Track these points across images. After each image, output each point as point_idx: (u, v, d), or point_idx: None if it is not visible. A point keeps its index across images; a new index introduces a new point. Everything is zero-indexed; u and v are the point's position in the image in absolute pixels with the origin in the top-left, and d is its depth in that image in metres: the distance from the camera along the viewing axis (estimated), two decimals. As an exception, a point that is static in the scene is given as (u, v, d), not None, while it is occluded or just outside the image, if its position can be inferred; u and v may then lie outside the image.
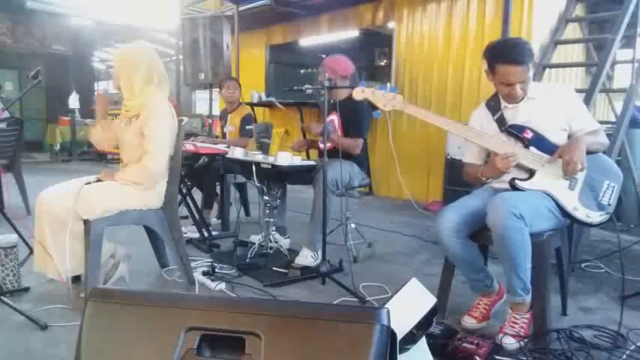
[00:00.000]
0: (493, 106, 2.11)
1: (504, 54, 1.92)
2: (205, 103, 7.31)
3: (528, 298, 1.94)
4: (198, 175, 3.51)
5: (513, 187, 1.97)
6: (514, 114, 2.04)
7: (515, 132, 1.99)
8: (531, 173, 1.96)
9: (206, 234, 3.33)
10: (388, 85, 2.10)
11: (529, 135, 1.97)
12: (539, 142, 1.96)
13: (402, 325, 1.42)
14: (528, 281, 1.90)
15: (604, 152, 2.06)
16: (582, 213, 1.94)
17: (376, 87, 2.11)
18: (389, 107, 2.08)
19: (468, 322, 2.08)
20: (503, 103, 2.08)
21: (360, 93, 2.12)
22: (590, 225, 2.00)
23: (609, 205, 1.96)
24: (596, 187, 1.96)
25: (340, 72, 3.03)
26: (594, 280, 2.75)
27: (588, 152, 1.87)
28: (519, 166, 1.97)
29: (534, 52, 1.97)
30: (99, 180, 2.33)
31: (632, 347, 1.88)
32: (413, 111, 2.08)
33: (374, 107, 2.14)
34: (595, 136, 1.95)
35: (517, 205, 1.78)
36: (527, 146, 1.97)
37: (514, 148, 1.96)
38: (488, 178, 2.11)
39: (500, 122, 2.05)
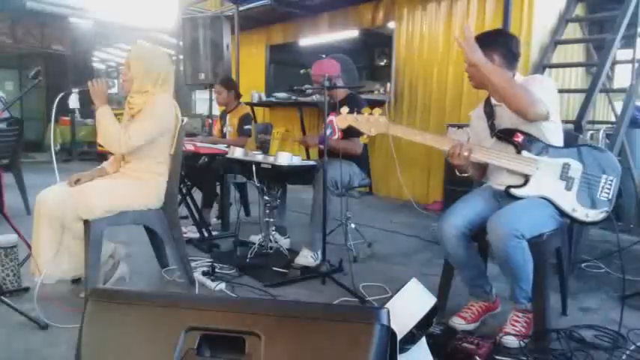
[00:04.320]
0: (488, 111, 2.09)
1: None
2: (205, 103, 7.31)
3: (530, 305, 1.96)
4: (199, 175, 3.51)
5: (509, 195, 1.94)
6: (501, 114, 2.02)
7: (505, 137, 1.96)
8: (526, 178, 1.93)
9: (206, 234, 3.33)
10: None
11: (519, 138, 1.93)
12: (531, 145, 1.93)
13: (402, 325, 1.42)
14: (530, 290, 1.91)
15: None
16: (581, 213, 1.92)
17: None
18: (374, 132, 1.98)
19: (457, 322, 2.07)
20: (492, 101, 2.07)
21: (343, 121, 2.03)
22: (590, 223, 1.97)
23: (609, 200, 1.92)
24: (594, 183, 1.92)
25: (330, 75, 2.97)
26: (594, 280, 2.75)
27: (496, 84, 1.81)
28: (513, 172, 1.94)
29: (497, 42, 1.96)
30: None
31: (632, 347, 1.88)
32: (400, 132, 1.98)
33: (359, 133, 2.04)
34: (525, 92, 1.82)
35: (517, 226, 1.78)
36: (519, 151, 1.93)
37: (505, 153, 1.92)
38: (466, 173, 2.06)
39: (492, 128, 2.05)
